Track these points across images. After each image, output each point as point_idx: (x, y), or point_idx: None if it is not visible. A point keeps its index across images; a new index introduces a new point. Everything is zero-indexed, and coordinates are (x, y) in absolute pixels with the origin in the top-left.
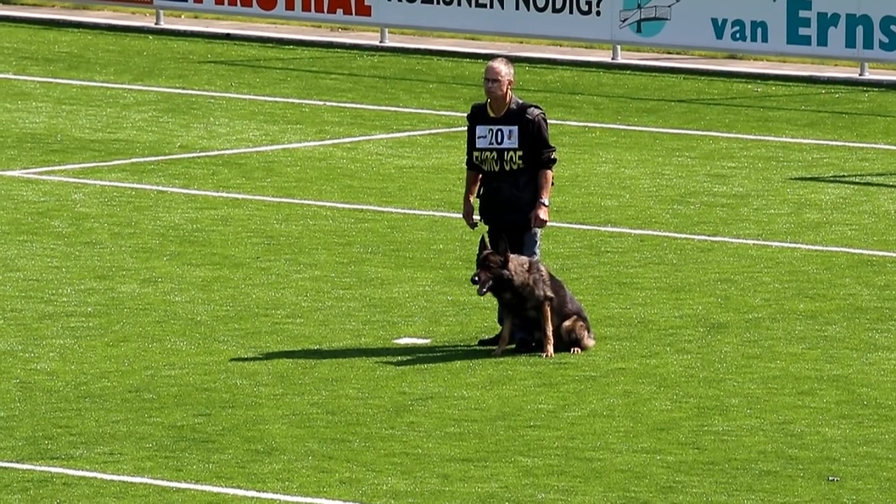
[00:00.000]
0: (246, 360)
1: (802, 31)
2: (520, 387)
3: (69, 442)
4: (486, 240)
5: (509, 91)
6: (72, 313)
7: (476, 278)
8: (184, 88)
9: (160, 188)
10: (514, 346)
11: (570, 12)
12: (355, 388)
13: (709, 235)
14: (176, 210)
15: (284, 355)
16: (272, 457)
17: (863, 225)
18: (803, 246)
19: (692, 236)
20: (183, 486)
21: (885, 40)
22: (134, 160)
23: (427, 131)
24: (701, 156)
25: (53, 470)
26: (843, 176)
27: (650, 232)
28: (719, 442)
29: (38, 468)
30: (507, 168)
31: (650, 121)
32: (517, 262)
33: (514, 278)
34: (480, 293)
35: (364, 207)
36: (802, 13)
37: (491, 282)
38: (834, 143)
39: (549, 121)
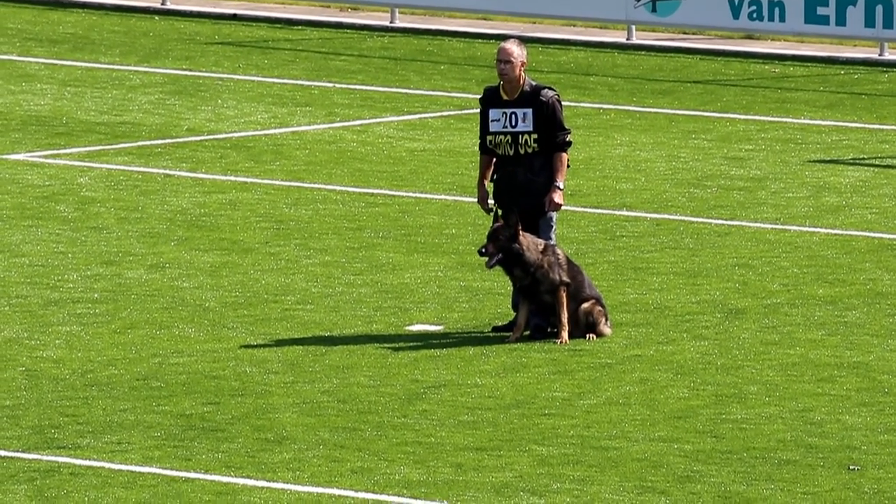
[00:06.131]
0: (255, 347)
1: (821, 10)
2: (534, 374)
3: (76, 431)
4: (500, 214)
5: (522, 73)
6: (78, 300)
7: (483, 250)
8: (191, 70)
9: (167, 172)
10: (528, 332)
11: None
12: (367, 376)
13: (726, 219)
14: (183, 194)
15: (294, 342)
16: (282, 446)
17: (883, 208)
18: (822, 230)
19: (709, 220)
20: (192, 475)
21: None
22: (140, 143)
23: (438, 113)
24: (718, 138)
25: (60, 459)
26: (863, 158)
27: (666, 216)
28: (738, 430)
29: (44, 458)
30: (522, 151)
31: (666, 102)
32: (530, 240)
33: (525, 254)
34: (489, 266)
35: (375, 191)
36: None
37: (500, 255)
38: (853, 124)
39: (562, 102)
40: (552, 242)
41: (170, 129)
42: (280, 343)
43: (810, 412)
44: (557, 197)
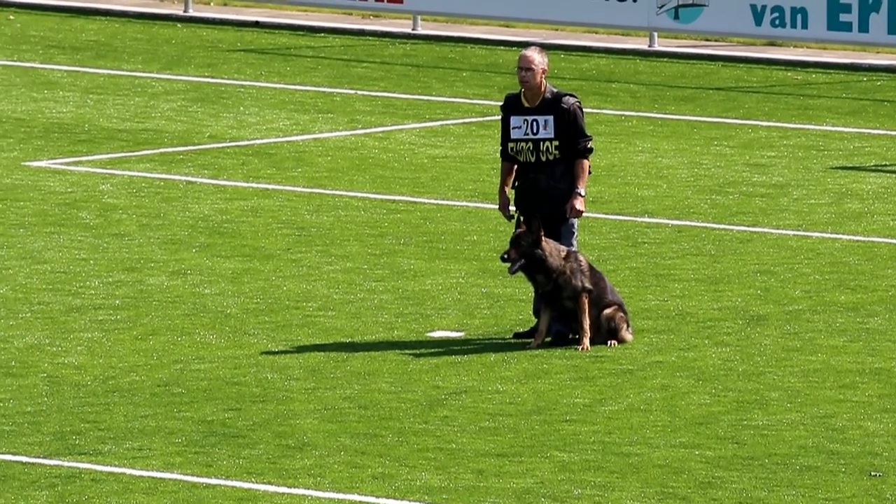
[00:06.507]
0: (277, 353)
1: (843, 17)
2: (555, 381)
3: (97, 437)
4: (522, 220)
5: (543, 80)
6: (100, 306)
7: (506, 256)
8: (213, 77)
9: (189, 179)
10: (550, 338)
11: None
12: (388, 382)
13: (748, 226)
14: (205, 201)
15: (316, 349)
16: (304, 452)
17: None
18: (844, 236)
19: (731, 227)
20: (213, 481)
21: None
22: (162, 150)
23: (460, 120)
24: (740, 145)
25: (81, 466)
26: (886, 165)
27: (688, 223)
28: (759, 436)
29: (65, 464)
30: (544, 159)
31: (688, 109)
32: (553, 246)
33: (548, 259)
34: (511, 271)
35: (396, 198)
36: None
37: (522, 260)
38: (876, 131)
39: (584, 109)
40: (574, 249)
41: (192, 136)
42: (301, 349)
43: (832, 418)
44: (579, 203)
